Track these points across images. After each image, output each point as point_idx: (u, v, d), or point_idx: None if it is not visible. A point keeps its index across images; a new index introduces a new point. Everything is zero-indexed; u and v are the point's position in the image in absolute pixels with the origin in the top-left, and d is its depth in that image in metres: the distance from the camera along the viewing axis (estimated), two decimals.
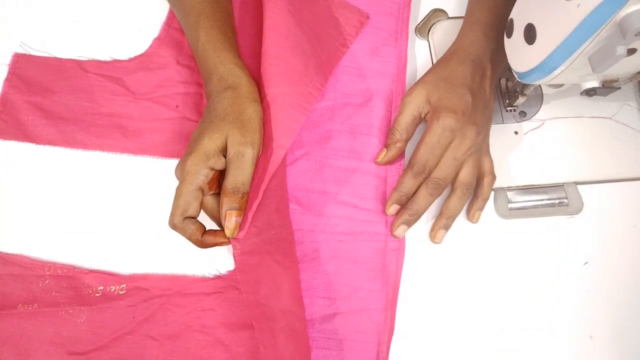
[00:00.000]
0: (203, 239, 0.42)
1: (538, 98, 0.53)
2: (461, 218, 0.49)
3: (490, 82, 0.48)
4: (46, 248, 0.47)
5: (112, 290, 0.46)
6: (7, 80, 0.51)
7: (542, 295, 0.47)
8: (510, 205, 0.50)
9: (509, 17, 0.43)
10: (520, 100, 0.51)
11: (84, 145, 0.50)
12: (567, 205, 0.50)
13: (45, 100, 0.51)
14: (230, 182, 0.41)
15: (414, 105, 0.47)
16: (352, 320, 0.46)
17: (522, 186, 0.50)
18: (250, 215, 0.42)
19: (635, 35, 0.33)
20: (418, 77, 0.49)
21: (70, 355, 0.44)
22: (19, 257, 0.46)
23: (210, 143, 0.41)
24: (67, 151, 0.50)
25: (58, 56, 0.52)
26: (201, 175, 0.41)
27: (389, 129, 0.50)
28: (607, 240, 0.49)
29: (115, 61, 0.52)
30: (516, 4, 0.42)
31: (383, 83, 0.53)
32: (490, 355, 0.46)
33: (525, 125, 0.52)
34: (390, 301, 0.46)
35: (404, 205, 0.47)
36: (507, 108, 0.52)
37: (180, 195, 0.41)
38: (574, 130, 0.52)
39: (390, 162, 0.49)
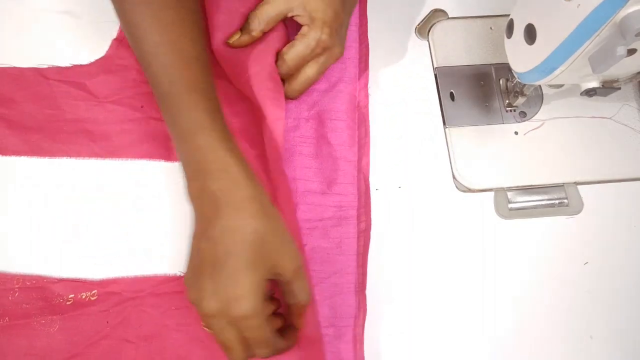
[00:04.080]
0: None
1: (538, 98, 0.53)
2: (462, 218, 0.49)
3: None
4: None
5: (83, 297, 0.45)
6: None
7: (542, 295, 0.47)
8: (510, 206, 0.50)
9: (509, 18, 0.43)
10: (520, 100, 0.51)
11: (51, 154, 0.48)
12: (567, 206, 0.50)
13: (7, 111, 0.49)
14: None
15: (285, 3, 0.45)
16: (325, 307, 0.45)
17: (522, 186, 0.50)
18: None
19: (635, 35, 0.33)
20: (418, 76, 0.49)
21: None
22: None
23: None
24: (33, 160, 0.48)
25: (17, 65, 0.51)
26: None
27: (354, 112, 0.50)
28: (607, 240, 0.49)
29: (75, 66, 0.51)
30: (516, 4, 0.42)
31: (346, 67, 0.52)
32: (489, 355, 0.46)
33: (525, 126, 0.52)
34: (361, 284, 0.46)
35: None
36: (507, 108, 0.52)
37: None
38: (574, 131, 0.52)
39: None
